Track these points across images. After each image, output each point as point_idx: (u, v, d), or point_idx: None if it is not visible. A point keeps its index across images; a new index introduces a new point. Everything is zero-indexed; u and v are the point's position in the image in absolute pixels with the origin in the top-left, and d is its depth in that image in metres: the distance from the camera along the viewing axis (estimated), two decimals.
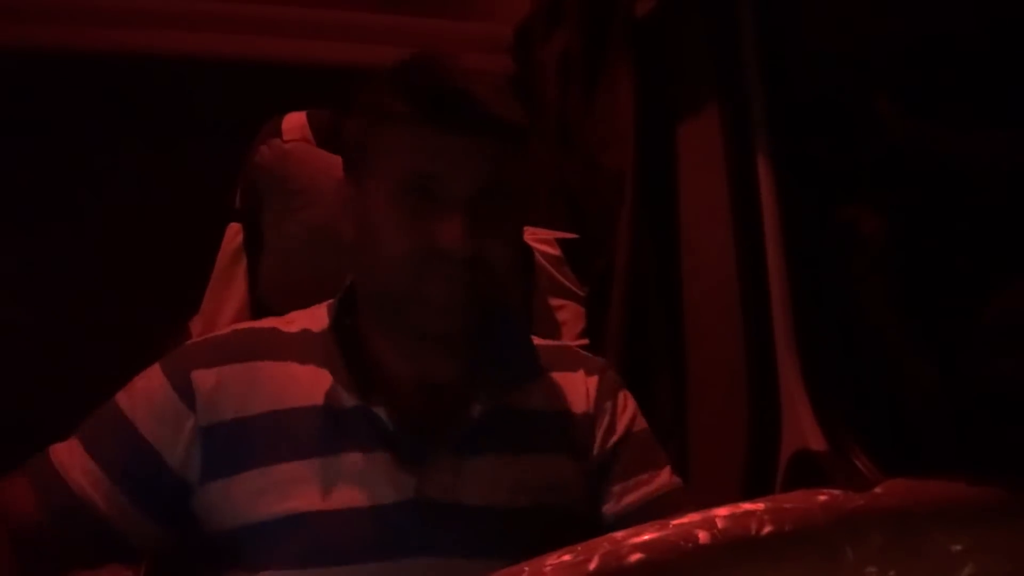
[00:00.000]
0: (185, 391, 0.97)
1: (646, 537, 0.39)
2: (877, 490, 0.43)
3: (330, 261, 1.20)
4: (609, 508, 1.05)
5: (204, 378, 0.98)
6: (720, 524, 0.39)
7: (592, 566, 0.37)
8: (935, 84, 1.31)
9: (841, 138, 1.40)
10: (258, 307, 1.39)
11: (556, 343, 1.20)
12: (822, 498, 0.41)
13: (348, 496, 0.93)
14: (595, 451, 1.06)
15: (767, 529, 0.39)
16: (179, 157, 1.78)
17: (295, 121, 1.44)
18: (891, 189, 1.39)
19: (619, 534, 0.39)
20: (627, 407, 1.11)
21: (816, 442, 1.26)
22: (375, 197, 0.95)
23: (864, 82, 1.38)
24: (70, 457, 0.95)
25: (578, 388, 1.08)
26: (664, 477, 1.08)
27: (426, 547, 0.93)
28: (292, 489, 0.93)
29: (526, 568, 0.38)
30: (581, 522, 1.04)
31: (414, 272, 0.93)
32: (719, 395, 1.47)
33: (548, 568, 0.37)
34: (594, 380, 1.10)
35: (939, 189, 1.35)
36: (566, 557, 0.38)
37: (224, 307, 1.41)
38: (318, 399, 0.97)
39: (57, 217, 1.79)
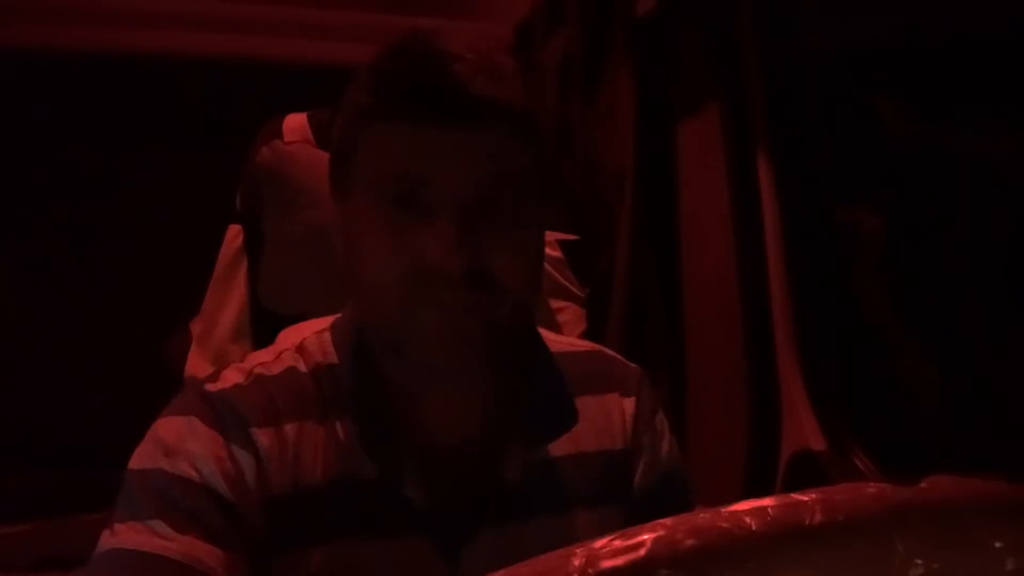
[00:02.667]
0: (253, 449, 0.82)
1: (698, 523, 0.39)
2: (923, 485, 0.43)
3: (331, 262, 1.19)
4: None
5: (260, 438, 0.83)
6: (771, 513, 0.39)
7: (644, 551, 0.37)
8: (935, 84, 1.32)
9: (841, 138, 1.41)
10: (258, 308, 1.39)
11: (582, 348, 1.01)
12: (871, 491, 0.41)
13: None
14: (634, 493, 0.95)
15: (819, 518, 0.39)
16: (179, 158, 1.78)
17: (296, 122, 1.44)
18: (891, 189, 1.40)
19: (669, 520, 0.39)
20: (663, 436, 0.98)
21: (816, 442, 1.26)
22: (359, 213, 0.81)
23: (864, 82, 1.39)
24: (169, 543, 0.76)
25: (613, 419, 0.95)
26: None
27: None
28: None
29: (577, 551, 0.37)
30: None
31: (403, 298, 0.78)
32: (719, 395, 1.47)
33: (601, 552, 0.37)
34: (630, 404, 0.96)
35: (939, 189, 1.36)
36: (617, 542, 0.38)
37: (224, 308, 1.41)
38: (338, 469, 0.84)
39: (57, 218, 1.79)
